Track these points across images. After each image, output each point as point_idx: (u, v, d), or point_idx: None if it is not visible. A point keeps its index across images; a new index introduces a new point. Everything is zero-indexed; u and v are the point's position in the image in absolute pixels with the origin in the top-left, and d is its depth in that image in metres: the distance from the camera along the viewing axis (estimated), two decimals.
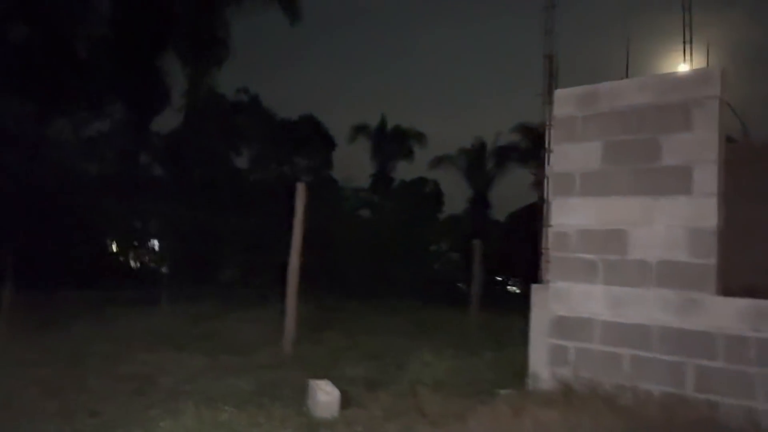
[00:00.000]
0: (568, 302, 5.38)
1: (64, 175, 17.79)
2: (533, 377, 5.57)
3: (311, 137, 27.26)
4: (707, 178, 4.73)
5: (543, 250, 5.66)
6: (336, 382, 5.16)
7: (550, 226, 5.60)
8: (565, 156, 5.51)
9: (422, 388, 5.53)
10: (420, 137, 29.03)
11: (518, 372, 6.07)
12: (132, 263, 24.45)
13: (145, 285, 17.65)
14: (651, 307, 4.91)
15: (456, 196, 30.24)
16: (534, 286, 5.67)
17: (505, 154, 28.32)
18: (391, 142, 29.13)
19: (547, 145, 5.77)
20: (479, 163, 29.68)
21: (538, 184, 28.47)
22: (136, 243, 25.11)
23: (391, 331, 8.63)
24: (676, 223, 4.83)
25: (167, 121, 23.10)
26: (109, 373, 5.33)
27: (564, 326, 5.39)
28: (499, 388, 5.75)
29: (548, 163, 5.73)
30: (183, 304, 9.95)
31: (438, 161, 29.50)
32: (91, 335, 6.74)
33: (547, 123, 5.79)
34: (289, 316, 6.90)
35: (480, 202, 29.99)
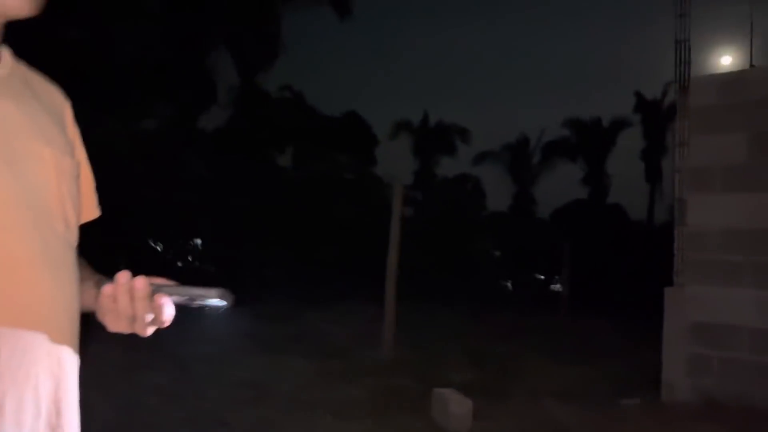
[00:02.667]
0: (710, 308, 4.99)
1: (111, 171, 17.83)
2: (668, 387, 5.19)
3: (354, 134, 27.05)
4: None
5: (676, 251, 5.26)
6: None
7: (684, 225, 5.21)
8: (704, 149, 5.11)
9: (547, 399, 5.19)
10: (463, 133, 28.63)
11: (641, 381, 5.72)
12: (179, 263, 24.46)
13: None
14: None
15: (501, 192, 29.80)
16: (667, 290, 5.28)
17: (552, 150, 27.77)
18: (434, 138, 28.76)
19: (677, 138, 5.37)
20: (524, 159, 29.17)
21: (588, 180, 27.88)
22: (180, 241, 25.14)
23: (476, 334, 8.30)
24: None
25: (213, 118, 23.02)
26: (221, 378, 5.08)
27: (705, 333, 5.00)
28: (624, 397, 5.38)
29: (679, 157, 5.33)
30: (244, 304, 9.67)
31: (481, 157, 29.08)
32: (188, 337, 6.53)
33: (678, 114, 5.37)
34: (387, 317, 6.60)
35: (524, 198, 29.47)
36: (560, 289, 30.81)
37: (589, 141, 26.25)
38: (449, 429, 4.52)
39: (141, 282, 0.93)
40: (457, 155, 29.12)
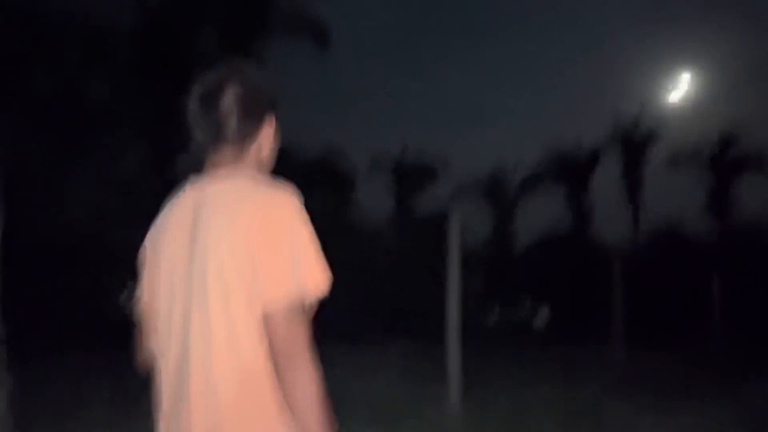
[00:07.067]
0: None
1: (88, 213, 16.76)
2: None
3: (331, 176, 26.34)
4: None
5: None
6: None
7: None
8: None
9: None
10: (441, 164, 28.35)
11: (756, 426, 5.10)
12: None
13: None
14: None
15: (479, 224, 29.42)
16: None
17: (529, 184, 27.72)
18: (413, 171, 28.45)
19: None
20: (500, 192, 29.02)
21: (569, 208, 27.54)
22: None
23: (531, 376, 7.55)
24: None
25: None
26: None
27: None
28: None
29: None
30: None
31: (458, 190, 28.81)
32: None
33: None
34: (452, 364, 5.66)
35: (502, 231, 29.16)
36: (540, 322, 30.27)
37: (568, 170, 26.24)
38: None
39: None
40: (435, 186, 28.78)
